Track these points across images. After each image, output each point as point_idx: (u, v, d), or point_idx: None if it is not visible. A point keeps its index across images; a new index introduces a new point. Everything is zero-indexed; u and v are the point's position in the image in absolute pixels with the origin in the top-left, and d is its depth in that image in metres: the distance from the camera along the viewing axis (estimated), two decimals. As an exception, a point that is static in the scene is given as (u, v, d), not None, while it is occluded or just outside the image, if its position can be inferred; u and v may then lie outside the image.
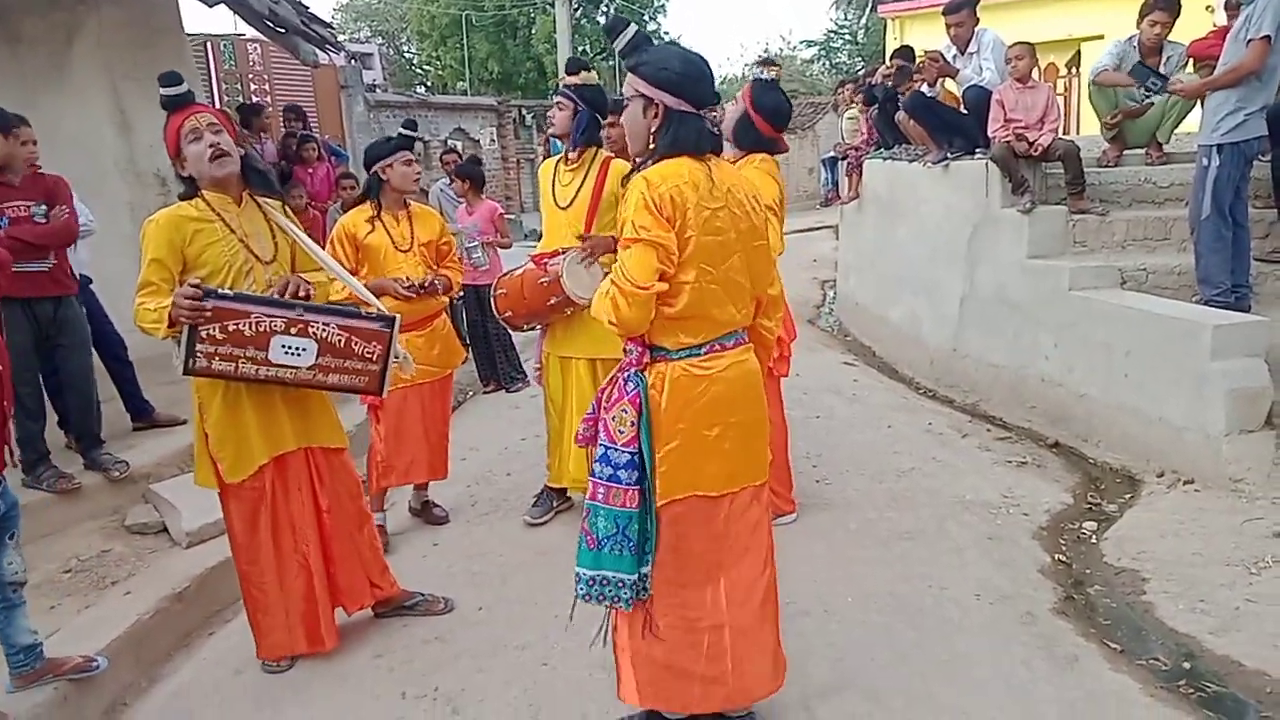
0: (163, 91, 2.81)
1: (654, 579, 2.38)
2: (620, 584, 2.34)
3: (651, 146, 2.34)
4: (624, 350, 2.39)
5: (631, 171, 2.60)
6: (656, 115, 2.29)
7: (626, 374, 2.36)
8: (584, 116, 3.83)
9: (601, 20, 26.71)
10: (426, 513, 4.34)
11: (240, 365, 2.72)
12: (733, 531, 2.43)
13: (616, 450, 2.33)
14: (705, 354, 2.34)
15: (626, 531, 2.33)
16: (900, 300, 6.96)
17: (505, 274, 4.10)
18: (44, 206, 3.88)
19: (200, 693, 3.04)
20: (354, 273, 3.63)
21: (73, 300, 4.09)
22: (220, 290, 2.69)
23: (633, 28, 2.44)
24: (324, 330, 2.80)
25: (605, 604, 2.40)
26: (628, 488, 2.32)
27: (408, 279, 3.79)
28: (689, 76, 2.27)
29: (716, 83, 2.44)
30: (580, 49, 23.98)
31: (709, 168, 2.31)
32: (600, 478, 2.35)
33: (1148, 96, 5.29)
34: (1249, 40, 4.26)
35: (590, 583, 2.37)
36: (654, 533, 2.36)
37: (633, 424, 2.31)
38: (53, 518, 3.85)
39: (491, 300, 4.09)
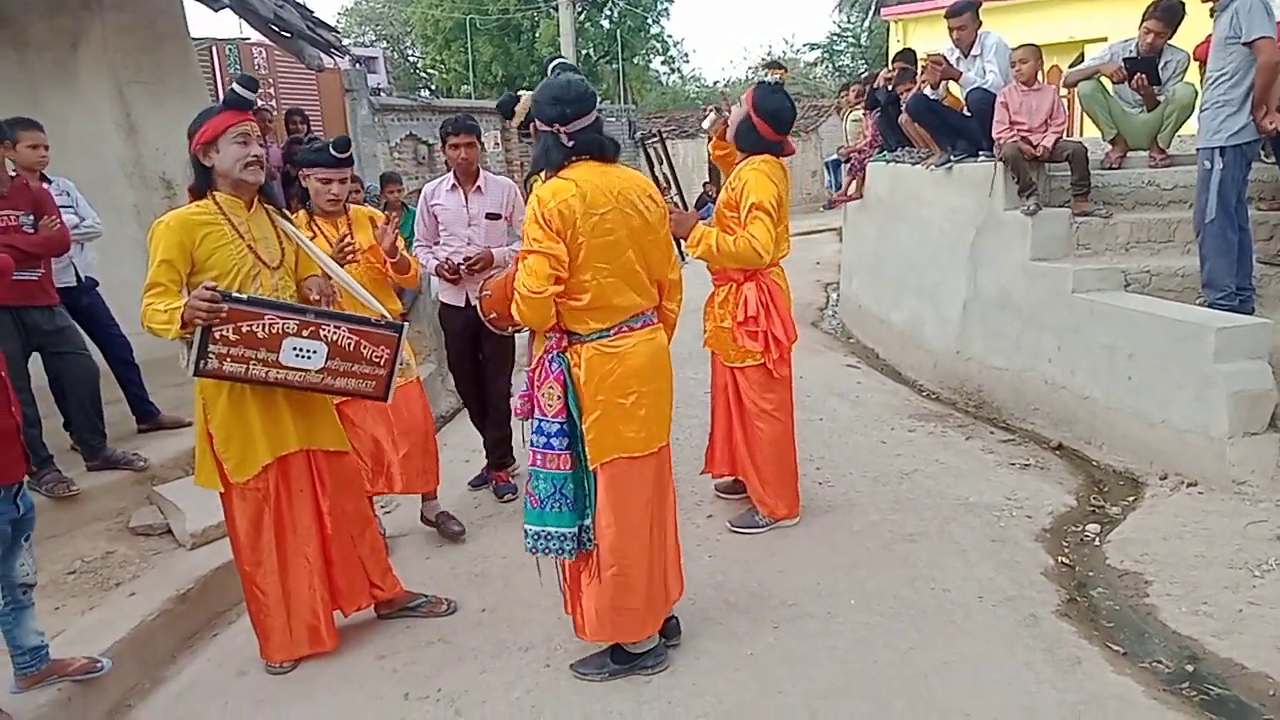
0: (238, 89, 2.84)
1: (597, 534, 2.77)
2: (562, 537, 2.76)
3: None
4: (545, 336, 2.76)
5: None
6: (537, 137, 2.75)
7: (550, 356, 2.74)
8: None
9: (605, 24, 26.77)
10: (442, 525, 4.13)
11: (251, 367, 2.75)
12: (660, 481, 2.89)
13: (548, 421, 2.72)
14: (613, 335, 2.72)
15: (563, 490, 2.73)
16: (903, 303, 6.96)
17: (489, 275, 3.98)
18: (31, 216, 3.89)
19: (203, 694, 3.05)
20: None
21: (62, 309, 4.10)
22: (234, 294, 2.72)
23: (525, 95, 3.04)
24: (335, 333, 2.85)
25: (550, 555, 2.79)
26: (560, 452, 2.72)
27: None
28: (539, 101, 2.70)
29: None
30: (584, 52, 24.03)
31: (590, 173, 2.65)
32: (537, 446, 2.75)
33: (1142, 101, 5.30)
34: (1249, 42, 4.26)
35: (536, 537, 2.77)
36: (593, 490, 2.75)
37: (559, 397, 2.70)
38: (58, 519, 3.86)
39: (476, 302, 4.03)
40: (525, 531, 2.80)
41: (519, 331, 4.07)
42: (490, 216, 4.28)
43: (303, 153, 3.84)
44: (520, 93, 3.44)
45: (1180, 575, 3.38)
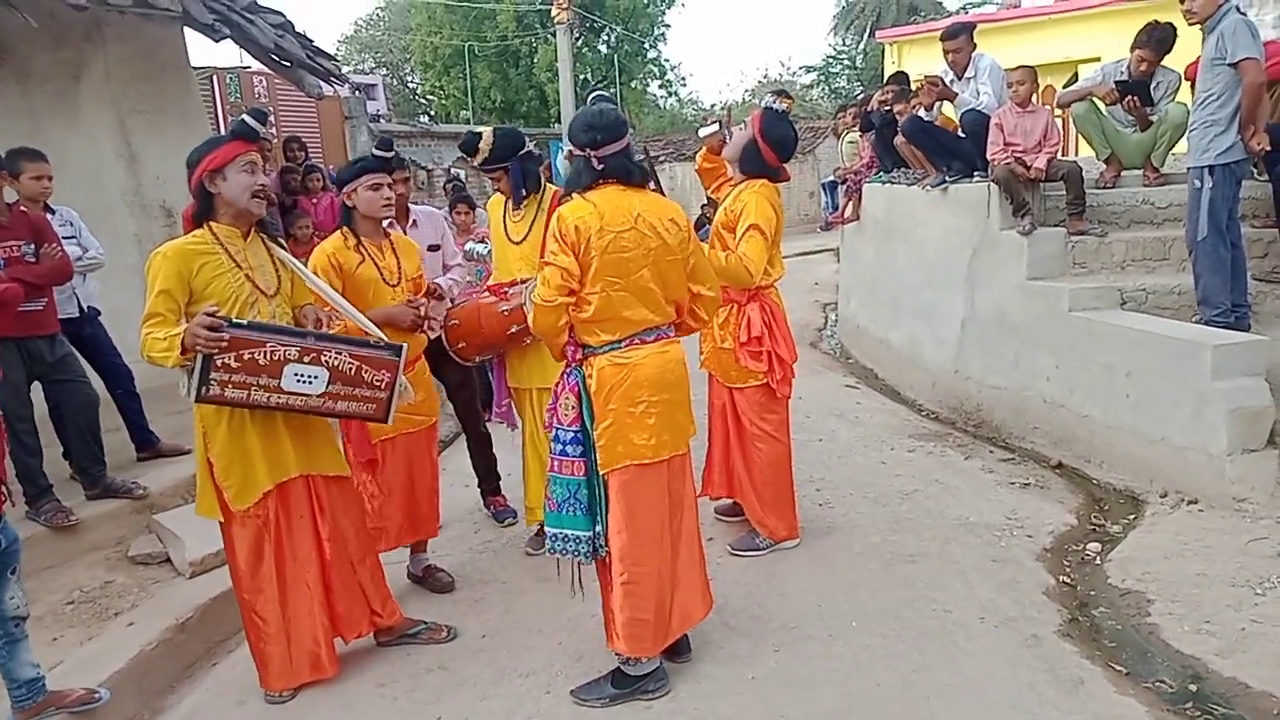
0: (249, 120, 2.90)
1: (610, 543, 2.86)
2: (578, 540, 2.87)
3: None
4: (563, 351, 2.89)
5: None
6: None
7: (568, 370, 2.89)
8: (516, 173, 3.77)
9: (603, 49, 26.98)
10: (429, 579, 3.90)
11: (252, 393, 2.77)
12: (673, 492, 2.94)
13: (564, 429, 2.87)
14: (625, 347, 2.82)
15: (577, 495, 2.86)
16: (901, 323, 6.97)
17: (455, 305, 3.94)
18: (32, 246, 3.91)
19: (203, 724, 3.04)
20: None
21: (63, 338, 4.12)
22: (235, 319, 2.74)
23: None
24: (336, 359, 2.87)
25: (567, 556, 2.89)
26: (574, 459, 2.85)
27: (415, 300, 3.57)
28: (574, 128, 2.87)
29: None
30: (582, 77, 24.20)
31: (612, 195, 2.79)
32: (555, 453, 2.89)
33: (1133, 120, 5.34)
34: (1234, 63, 4.30)
35: (554, 538, 2.90)
36: (603, 498, 2.86)
37: (574, 408, 2.85)
38: (56, 549, 3.86)
39: (442, 332, 3.88)
40: (546, 534, 2.96)
41: (486, 361, 4.07)
42: (431, 249, 4.27)
43: (341, 171, 3.63)
44: (480, 129, 3.54)
45: (1182, 594, 3.37)
